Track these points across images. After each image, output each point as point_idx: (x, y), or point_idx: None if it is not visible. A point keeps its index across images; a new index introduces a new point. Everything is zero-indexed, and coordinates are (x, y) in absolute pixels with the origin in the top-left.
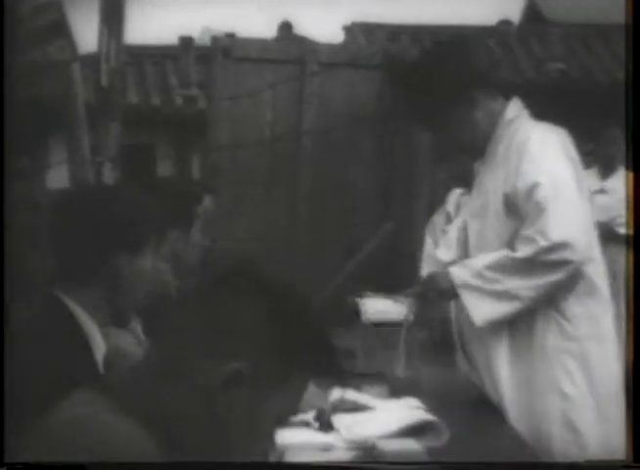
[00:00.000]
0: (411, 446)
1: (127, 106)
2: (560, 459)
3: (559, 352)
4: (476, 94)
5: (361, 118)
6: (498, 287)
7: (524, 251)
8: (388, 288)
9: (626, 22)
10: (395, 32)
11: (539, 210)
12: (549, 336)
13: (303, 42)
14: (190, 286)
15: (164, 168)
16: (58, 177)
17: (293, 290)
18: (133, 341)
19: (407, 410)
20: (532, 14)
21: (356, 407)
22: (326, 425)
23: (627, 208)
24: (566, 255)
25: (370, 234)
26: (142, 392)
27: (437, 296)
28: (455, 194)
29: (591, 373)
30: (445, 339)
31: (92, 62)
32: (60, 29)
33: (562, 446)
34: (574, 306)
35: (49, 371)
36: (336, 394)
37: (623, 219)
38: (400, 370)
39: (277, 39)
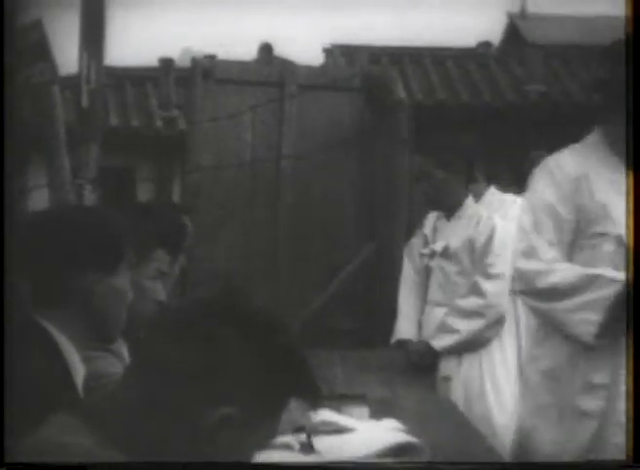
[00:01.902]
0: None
1: (108, 127)
2: None
3: None
4: None
5: (341, 140)
6: None
7: None
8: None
9: (626, 32)
10: (375, 54)
11: None
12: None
13: (283, 64)
14: (169, 311)
15: (145, 190)
16: (38, 199)
17: (273, 318)
18: (117, 363)
19: (388, 432)
20: (512, 35)
21: (337, 429)
22: (307, 447)
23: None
24: None
25: (351, 255)
26: (124, 422)
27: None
28: (432, 217)
29: None
30: (425, 361)
31: (72, 83)
32: (40, 51)
33: None
34: None
35: (31, 396)
36: (316, 415)
37: None
38: None
39: (257, 61)
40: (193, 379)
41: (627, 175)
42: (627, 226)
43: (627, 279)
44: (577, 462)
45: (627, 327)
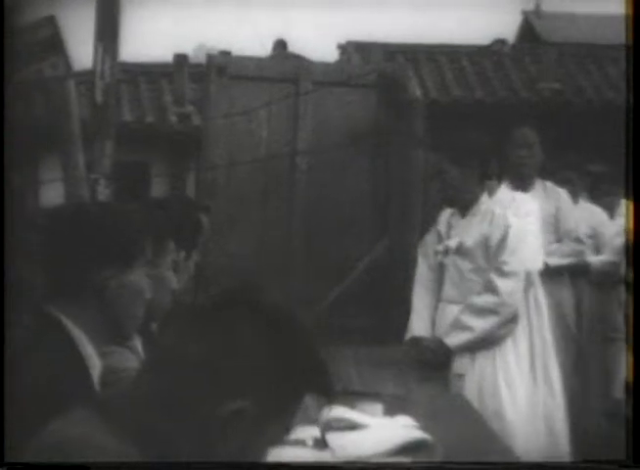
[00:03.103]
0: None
1: (122, 123)
2: None
3: None
4: None
5: (355, 137)
6: None
7: None
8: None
9: (627, 44)
10: (390, 51)
11: None
12: None
13: (298, 61)
14: (184, 306)
15: (159, 186)
16: (52, 194)
17: (288, 313)
18: (133, 358)
19: (401, 429)
20: (527, 33)
21: (350, 425)
22: (320, 443)
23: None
24: None
25: (365, 252)
26: (137, 414)
27: None
28: (446, 214)
29: None
30: (438, 358)
31: (87, 79)
32: (54, 46)
33: None
34: None
35: (46, 388)
36: (330, 412)
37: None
38: None
39: (272, 57)
40: (206, 372)
41: (627, 176)
42: (628, 226)
43: (628, 280)
44: (578, 462)
45: (627, 328)
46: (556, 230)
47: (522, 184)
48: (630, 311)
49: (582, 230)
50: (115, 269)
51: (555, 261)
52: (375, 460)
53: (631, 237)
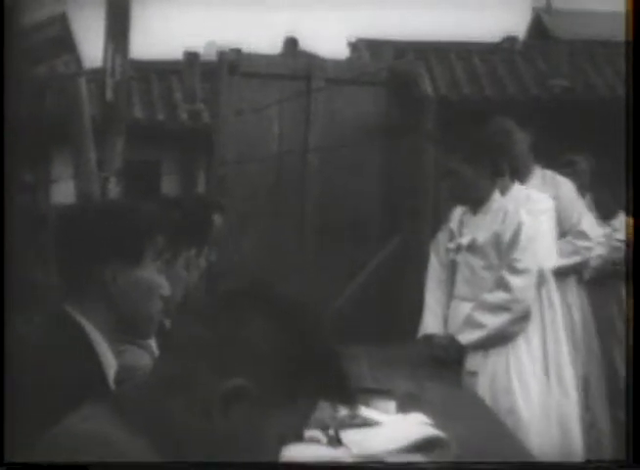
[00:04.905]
0: (419, 461)
1: (132, 121)
2: None
3: None
4: None
5: (367, 134)
6: None
7: None
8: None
9: (626, 39)
10: (401, 49)
11: None
12: None
13: (309, 58)
14: (196, 302)
15: (170, 183)
16: (63, 191)
17: (302, 307)
18: (145, 356)
19: (415, 426)
20: (537, 30)
21: (364, 423)
22: (334, 440)
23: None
24: None
25: (377, 249)
26: (149, 407)
27: None
28: (458, 211)
29: None
30: (451, 355)
31: (97, 76)
32: (66, 44)
33: None
34: None
35: (58, 385)
36: (344, 409)
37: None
38: None
39: (283, 55)
40: (215, 360)
41: (627, 174)
42: (627, 224)
43: (627, 277)
44: (578, 462)
45: (627, 327)
46: (558, 224)
47: (517, 175)
48: (630, 312)
49: (587, 224)
50: (121, 265)
51: (557, 262)
52: (390, 458)
53: (631, 234)
